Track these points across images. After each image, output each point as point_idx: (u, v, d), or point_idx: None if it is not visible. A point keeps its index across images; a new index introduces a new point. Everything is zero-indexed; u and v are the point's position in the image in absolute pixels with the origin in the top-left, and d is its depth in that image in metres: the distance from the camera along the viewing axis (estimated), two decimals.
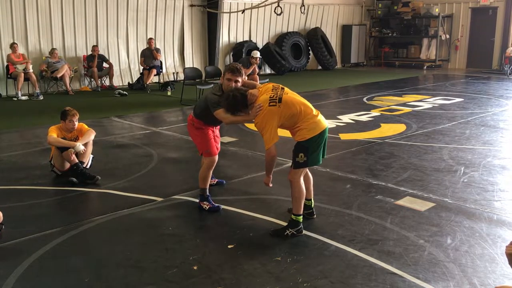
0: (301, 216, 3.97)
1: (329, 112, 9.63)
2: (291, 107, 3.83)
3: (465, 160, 6.13)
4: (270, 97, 3.85)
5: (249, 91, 3.98)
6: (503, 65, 16.51)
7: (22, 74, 11.01)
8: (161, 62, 13.40)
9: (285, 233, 3.92)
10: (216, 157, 4.53)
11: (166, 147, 6.81)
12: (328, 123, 4.04)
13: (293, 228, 3.93)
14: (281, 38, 17.01)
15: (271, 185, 4.09)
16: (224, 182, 5.25)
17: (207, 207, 4.45)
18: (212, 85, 10.85)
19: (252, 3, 15.05)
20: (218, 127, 4.78)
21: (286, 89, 4.01)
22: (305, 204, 4.11)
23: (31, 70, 11.19)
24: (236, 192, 5.05)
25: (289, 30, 17.54)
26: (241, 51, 15.47)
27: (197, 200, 4.55)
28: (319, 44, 17.64)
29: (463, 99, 11.09)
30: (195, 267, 3.46)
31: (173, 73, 14.43)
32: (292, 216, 3.97)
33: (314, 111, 3.92)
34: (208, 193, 4.51)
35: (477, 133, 7.68)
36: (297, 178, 3.92)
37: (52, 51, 11.78)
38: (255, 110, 3.85)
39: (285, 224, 4.05)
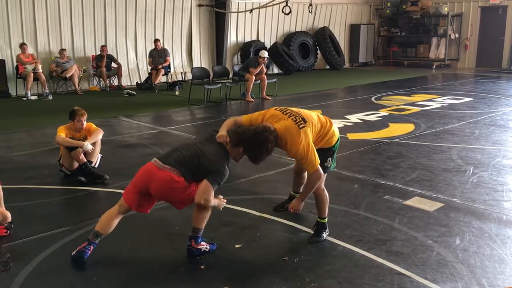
0: (327, 218, 3.97)
1: (337, 111, 9.61)
2: (314, 122, 3.68)
3: (474, 160, 6.09)
4: (293, 121, 3.55)
5: (272, 127, 3.51)
6: None
7: (32, 74, 11.09)
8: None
9: (323, 238, 3.87)
10: None
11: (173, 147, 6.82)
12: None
13: (325, 229, 3.93)
14: (289, 37, 16.98)
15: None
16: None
17: (207, 247, 3.65)
18: (219, 85, 10.95)
19: (260, 3, 15.03)
20: None
21: (289, 108, 3.77)
22: (294, 197, 4.23)
23: (40, 70, 11.26)
24: (243, 191, 5.04)
25: (297, 30, 17.51)
26: (249, 50, 15.47)
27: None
28: (327, 43, 17.59)
29: (472, 99, 11.01)
30: (202, 267, 3.46)
31: (181, 73, 14.47)
32: (321, 220, 3.93)
33: (322, 118, 3.84)
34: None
35: (486, 133, 7.62)
36: (322, 185, 3.86)
37: (61, 52, 11.85)
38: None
39: (290, 222, 4.05)
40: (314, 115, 3.76)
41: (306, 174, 4.24)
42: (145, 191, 3.47)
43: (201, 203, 3.39)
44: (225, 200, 3.64)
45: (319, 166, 3.58)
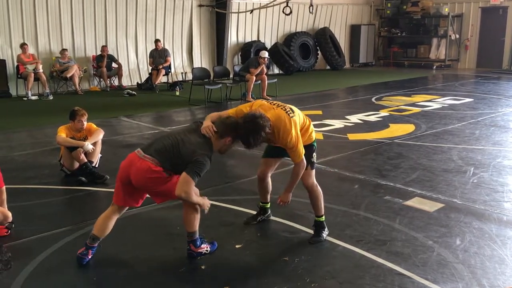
0: (324, 215, 3.96)
1: (337, 112, 9.61)
2: (299, 113, 3.72)
3: (474, 161, 6.09)
4: (283, 110, 3.59)
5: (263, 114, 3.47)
6: None
7: (32, 74, 11.10)
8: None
9: (323, 239, 3.87)
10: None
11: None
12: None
13: (324, 229, 3.92)
14: (290, 38, 16.98)
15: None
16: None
17: (208, 249, 3.64)
18: (220, 85, 10.96)
19: (260, 3, 15.03)
20: None
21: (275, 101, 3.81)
22: (264, 207, 4.20)
23: (41, 70, 11.27)
24: (244, 192, 5.05)
25: (297, 30, 17.51)
26: (250, 51, 15.47)
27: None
28: (327, 44, 17.59)
29: (472, 99, 11.00)
30: (203, 267, 3.47)
31: (182, 73, 14.46)
32: (319, 219, 3.93)
33: (302, 113, 3.85)
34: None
35: (487, 133, 7.62)
36: (313, 180, 3.87)
37: (62, 52, 11.87)
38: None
39: (290, 222, 4.04)
40: (296, 109, 3.78)
41: (269, 180, 4.13)
42: (127, 181, 3.44)
43: (181, 196, 3.26)
44: (209, 203, 3.51)
45: (303, 157, 3.60)
